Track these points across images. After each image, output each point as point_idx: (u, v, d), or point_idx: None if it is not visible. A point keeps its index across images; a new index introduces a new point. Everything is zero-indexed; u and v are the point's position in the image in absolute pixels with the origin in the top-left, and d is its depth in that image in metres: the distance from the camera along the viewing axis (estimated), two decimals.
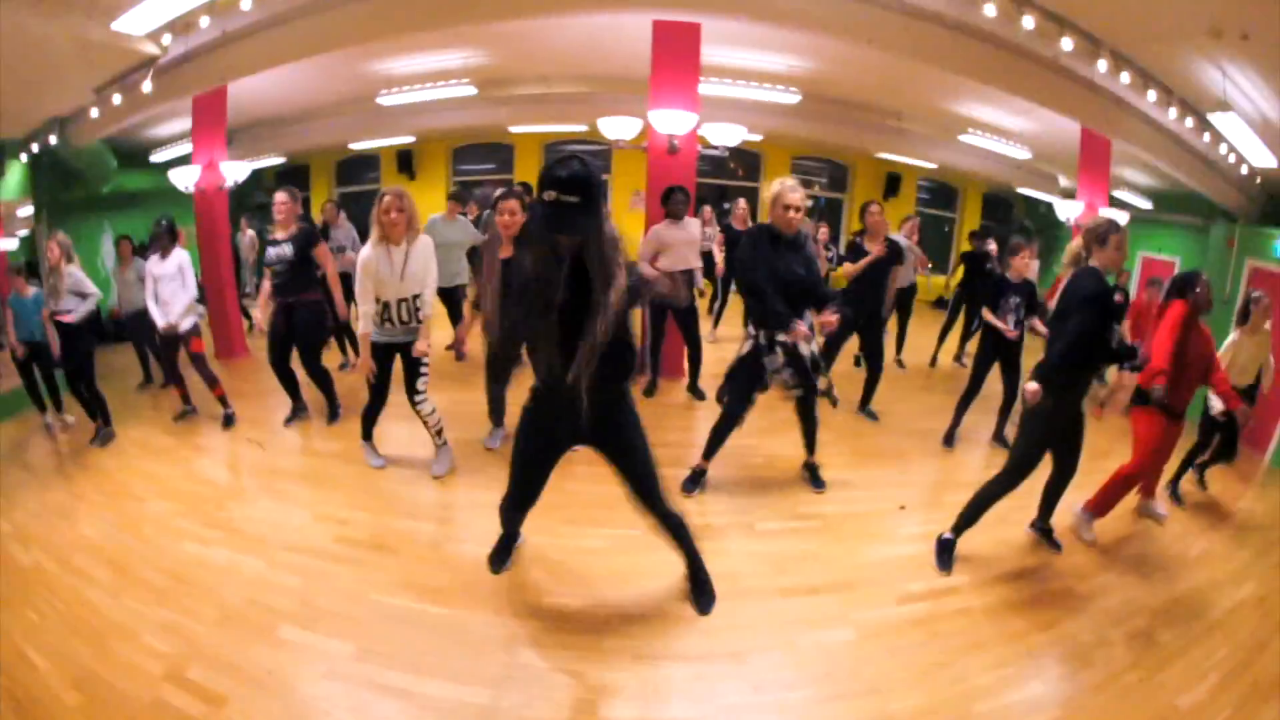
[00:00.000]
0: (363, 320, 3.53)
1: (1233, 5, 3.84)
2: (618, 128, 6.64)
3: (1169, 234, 8.02)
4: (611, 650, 2.43)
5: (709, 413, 4.01)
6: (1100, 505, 3.49)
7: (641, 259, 4.92)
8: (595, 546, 3.09)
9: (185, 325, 4.57)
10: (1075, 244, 2.98)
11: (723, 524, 3.36)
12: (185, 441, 4.43)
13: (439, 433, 3.81)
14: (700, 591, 2.72)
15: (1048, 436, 3.03)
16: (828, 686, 2.32)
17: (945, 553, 3.11)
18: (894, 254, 4.90)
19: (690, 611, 2.65)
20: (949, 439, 4.62)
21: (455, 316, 5.92)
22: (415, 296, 3.54)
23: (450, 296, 5.69)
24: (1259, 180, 6.37)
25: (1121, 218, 6.46)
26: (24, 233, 6.88)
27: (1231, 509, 4.20)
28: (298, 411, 4.72)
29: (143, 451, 4.28)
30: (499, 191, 3.95)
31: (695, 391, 5.21)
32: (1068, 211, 6.63)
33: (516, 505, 2.61)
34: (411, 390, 3.65)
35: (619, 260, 2.11)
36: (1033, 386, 2.87)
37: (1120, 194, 7.86)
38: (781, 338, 3.36)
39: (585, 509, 3.38)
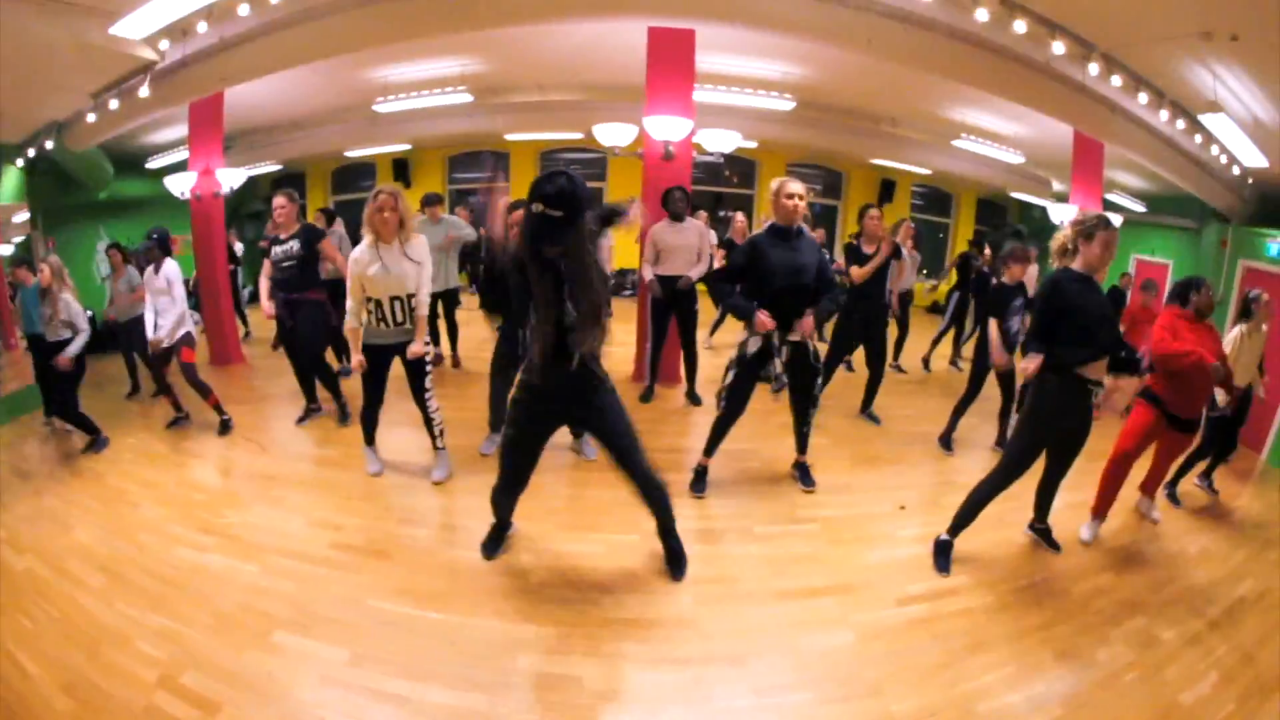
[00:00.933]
0: (349, 316, 3.51)
1: (1222, 7, 3.87)
2: (613, 135, 6.65)
3: (1162, 237, 8.05)
4: (610, 655, 2.41)
5: (706, 417, 4.02)
6: (1100, 503, 3.51)
7: (644, 261, 4.94)
8: (593, 551, 3.06)
9: (176, 336, 4.55)
10: (1062, 236, 2.97)
11: (721, 527, 3.35)
12: (179, 448, 4.40)
13: (440, 434, 3.78)
14: (674, 559, 2.91)
15: (1043, 436, 3.00)
16: (828, 689, 2.30)
17: (943, 554, 3.10)
18: (894, 254, 4.89)
19: (690, 616, 2.64)
20: (946, 442, 4.60)
21: (450, 323, 5.90)
22: (409, 296, 3.52)
23: (445, 301, 5.69)
24: (1250, 181, 6.40)
25: (1115, 220, 6.50)
26: (19, 238, 6.86)
27: (1230, 507, 4.21)
28: (311, 411, 4.73)
29: (137, 458, 4.25)
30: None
31: (692, 397, 5.20)
32: (1061, 215, 6.66)
33: (506, 490, 2.82)
34: (419, 390, 3.65)
35: (596, 271, 2.40)
36: (1029, 367, 2.91)
37: (1113, 197, 7.89)
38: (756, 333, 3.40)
39: (583, 515, 3.38)
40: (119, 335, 5.44)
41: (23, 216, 6.85)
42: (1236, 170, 6.13)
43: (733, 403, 3.52)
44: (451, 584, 2.82)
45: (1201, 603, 2.97)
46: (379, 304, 3.49)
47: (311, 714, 2.13)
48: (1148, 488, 3.84)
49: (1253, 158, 5.64)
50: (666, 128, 5.09)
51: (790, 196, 3.35)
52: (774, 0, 4.47)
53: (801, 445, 3.79)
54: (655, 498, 2.78)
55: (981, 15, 4.12)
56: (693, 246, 4.82)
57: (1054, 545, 3.33)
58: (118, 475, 4.00)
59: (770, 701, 2.23)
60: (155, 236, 4.58)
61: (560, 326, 2.43)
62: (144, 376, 5.51)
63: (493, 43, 5.99)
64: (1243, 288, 6.13)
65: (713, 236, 6.74)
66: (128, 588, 2.79)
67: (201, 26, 4.77)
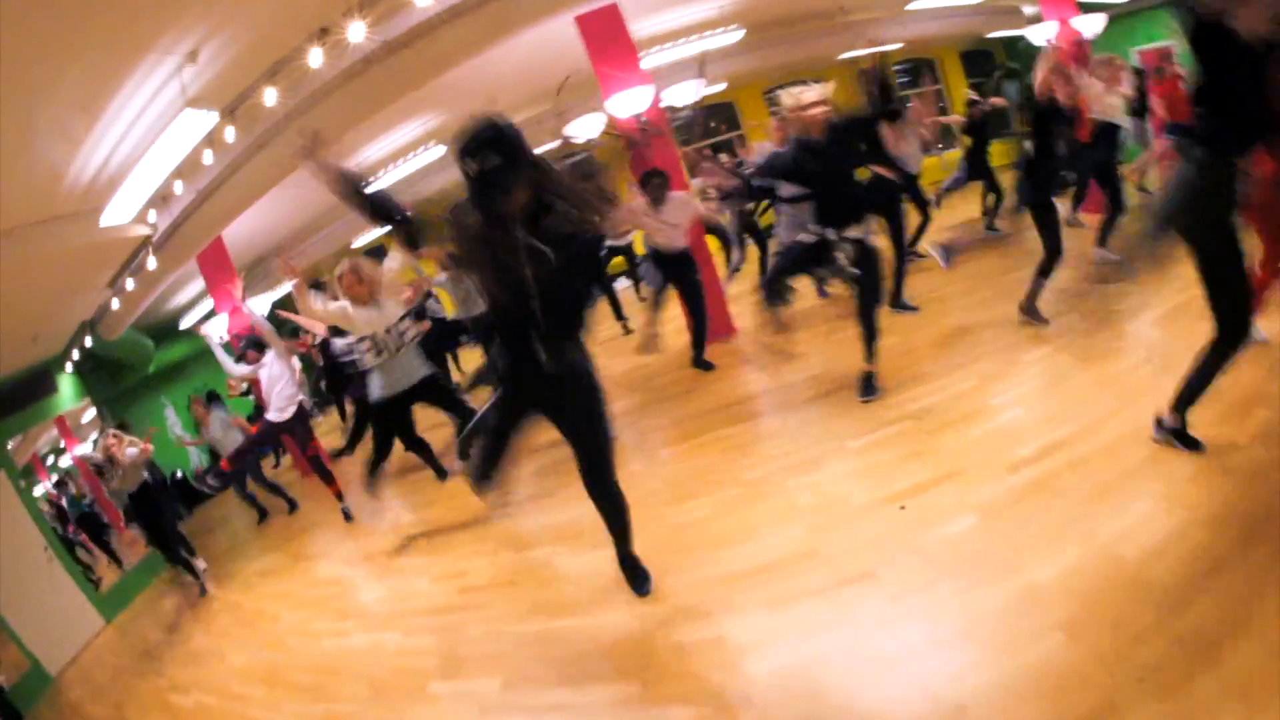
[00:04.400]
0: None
1: None
2: (586, 128, 6.69)
3: (1152, 21, 7.46)
4: (745, 605, 2.42)
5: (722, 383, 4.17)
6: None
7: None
8: (701, 516, 3.08)
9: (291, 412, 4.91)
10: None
11: (815, 453, 3.30)
12: (298, 554, 4.72)
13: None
14: (635, 575, 2.67)
15: (1221, 219, 2.17)
16: (965, 576, 2.22)
17: (1181, 439, 2.50)
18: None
19: (808, 547, 2.61)
20: (1030, 309, 3.96)
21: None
22: (398, 322, 3.81)
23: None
24: None
25: (1100, 21, 6.11)
26: (95, 435, 7.36)
27: None
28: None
29: (265, 578, 4.56)
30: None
31: (702, 364, 5.05)
32: (1042, 36, 6.31)
33: (485, 457, 2.49)
34: (450, 398, 3.98)
35: (570, 239, 2.04)
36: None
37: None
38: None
39: (679, 486, 3.41)
40: (231, 473, 5.91)
41: (90, 415, 7.35)
42: None
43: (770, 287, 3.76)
44: (579, 589, 2.89)
45: None
46: (373, 338, 3.75)
47: None
48: None
49: None
50: (628, 102, 5.07)
51: (806, 108, 3.26)
52: None
53: (867, 353, 3.63)
54: (619, 516, 2.57)
55: None
56: (678, 223, 4.67)
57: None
58: (253, 598, 4.29)
59: (911, 604, 2.18)
60: (245, 343, 5.11)
61: (526, 323, 2.09)
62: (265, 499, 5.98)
63: (441, 92, 6.07)
64: None
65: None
66: (288, 689, 3.00)
67: (178, 187, 5.04)
